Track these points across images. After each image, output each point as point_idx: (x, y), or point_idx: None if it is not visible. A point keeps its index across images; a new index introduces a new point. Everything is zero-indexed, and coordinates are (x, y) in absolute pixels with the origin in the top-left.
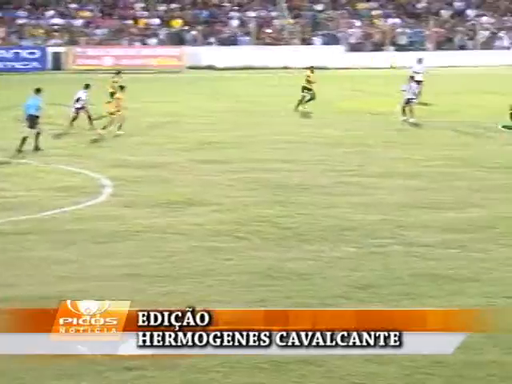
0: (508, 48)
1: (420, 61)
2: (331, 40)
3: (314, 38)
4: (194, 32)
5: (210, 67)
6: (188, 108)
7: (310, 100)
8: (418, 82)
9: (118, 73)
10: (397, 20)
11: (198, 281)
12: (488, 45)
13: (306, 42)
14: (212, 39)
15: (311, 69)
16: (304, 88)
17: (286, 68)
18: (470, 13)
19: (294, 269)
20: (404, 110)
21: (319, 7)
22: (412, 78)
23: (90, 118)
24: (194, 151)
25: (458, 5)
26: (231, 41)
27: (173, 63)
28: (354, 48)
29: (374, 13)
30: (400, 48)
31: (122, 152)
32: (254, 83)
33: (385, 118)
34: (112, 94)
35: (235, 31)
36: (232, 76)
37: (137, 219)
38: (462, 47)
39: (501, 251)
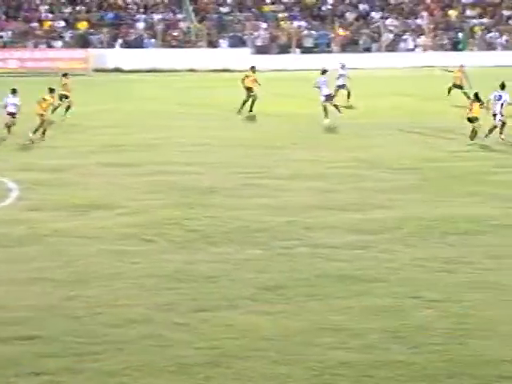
0: (413, 50)
1: (343, 66)
2: (238, 42)
3: (220, 41)
4: (99, 34)
5: (116, 70)
6: (95, 111)
7: (253, 101)
8: (340, 87)
9: (65, 74)
10: (303, 22)
11: (106, 284)
12: (393, 47)
13: (212, 44)
14: (118, 41)
15: (252, 69)
16: (247, 89)
17: (192, 70)
18: (375, 15)
19: (202, 271)
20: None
21: (225, 9)
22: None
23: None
24: (100, 154)
25: (362, 7)
26: (137, 43)
27: (78, 66)
28: (261, 50)
29: (280, 15)
30: (306, 50)
31: (29, 155)
32: (160, 86)
33: (292, 120)
34: (62, 97)
35: (141, 34)
36: (138, 78)
37: (43, 223)
38: (367, 49)
39: (407, 252)
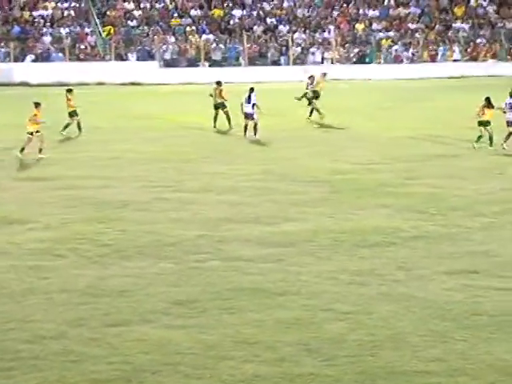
0: (321, 63)
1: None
2: (146, 56)
3: (128, 54)
4: (6, 48)
5: (23, 84)
6: (3, 125)
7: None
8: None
9: (70, 90)
10: (211, 36)
11: (17, 300)
12: (301, 60)
13: (120, 57)
14: (29, 56)
15: (219, 83)
16: (218, 104)
17: (101, 84)
18: (283, 29)
19: (114, 286)
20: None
21: (133, 23)
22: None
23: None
24: (11, 168)
25: (270, 21)
26: (44, 57)
27: None
28: (169, 64)
29: (188, 29)
30: (215, 64)
31: None
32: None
33: (204, 133)
34: (72, 114)
35: (48, 47)
36: (46, 92)
37: None
38: (275, 62)
39: (318, 264)
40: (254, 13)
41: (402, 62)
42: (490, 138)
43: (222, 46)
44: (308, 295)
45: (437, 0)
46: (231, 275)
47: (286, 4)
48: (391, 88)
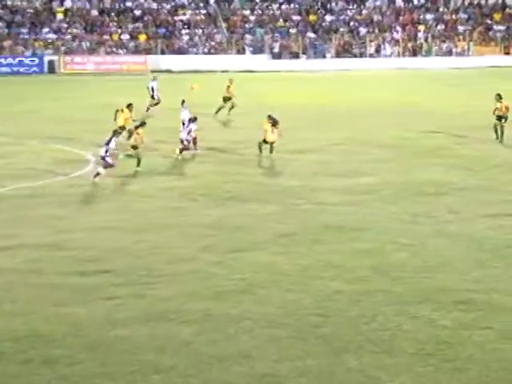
0: (389, 56)
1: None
2: (258, 50)
3: (245, 48)
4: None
5: (167, 71)
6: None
7: (232, 108)
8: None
9: (130, 105)
10: (312, 34)
11: (161, 232)
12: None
13: (239, 51)
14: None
15: (231, 80)
16: (225, 98)
17: (225, 71)
18: (362, 30)
19: (233, 222)
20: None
21: (249, 25)
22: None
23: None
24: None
25: (352, 24)
26: (182, 51)
27: None
28: (276, 56)
29: (291, 30)
30: (310, 56)
31: None
32: None
33: (304, 108)
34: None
35: (186, 43)
36: (184, 77)
37: (114, 185)
38: (356, 56)
39: (386, 207)
40: (341, 18)
41: (451, 55)
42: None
43: (315, 42)
44: (378, 231)
45: (480, 8)
46: (320, 216)
47: (364, 11)
48: (444, 75)
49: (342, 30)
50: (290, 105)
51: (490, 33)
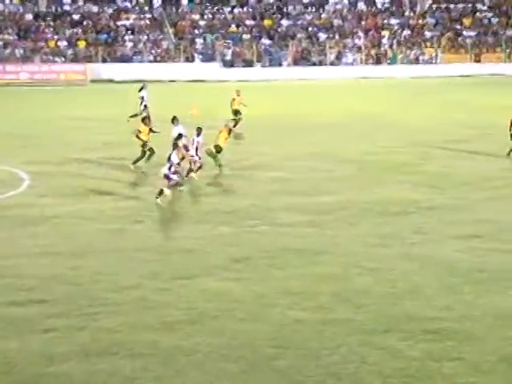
0: (351, 64)
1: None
2: (209, 58)
3: (195, 56)
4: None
5: (109, 80)
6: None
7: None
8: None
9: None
10: (266, 41)
11: (103, 257)
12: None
13: (188, 59)
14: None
15: (238, 92)
16: (235, 111)
17: (172, 81)
18: (321, 36)
19: (182, 245)
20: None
21: (198, 31)
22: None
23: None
24: None
25: (311, 29)
26: (126, 59)
27: None
28: (228, 64)
29: (244, 36)
30: (264, 64)
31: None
32: None
33: (259, 122)
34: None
35: (130, 51)
36: (128, 88)
37: (51, 207)
38: (315, 64)
39: (349, 229)
40: (298, 22)
41: (418, 63)
42: None
43: (271, 49)
44: (341, 254)
45: (449, 12)
46: (278, 238)
47: (323, 15)
48: (410, 84)
49: (299, 35)
50: (243, 117)
51: (460, 39)
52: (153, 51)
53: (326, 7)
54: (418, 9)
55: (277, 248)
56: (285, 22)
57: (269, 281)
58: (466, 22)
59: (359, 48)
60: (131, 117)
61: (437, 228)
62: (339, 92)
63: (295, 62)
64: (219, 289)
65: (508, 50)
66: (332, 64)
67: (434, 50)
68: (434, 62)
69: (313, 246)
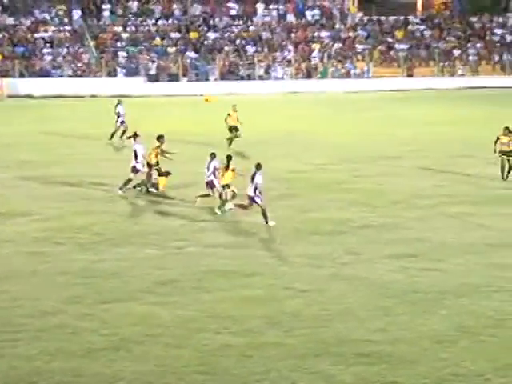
0: (281, 78)
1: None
2: (132, 72)
3: (117, 70)
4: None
5: (28, 96)
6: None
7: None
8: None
9: (160, 137)
10: (192, 54)
11: (22, 281)
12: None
13: (110, 73)
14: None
15: (234, 107)
16: (231, 128)
17: (94, 96)
18: (249, 49)
19: (105, 268)
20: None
21: (121, 44)
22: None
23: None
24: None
25: (239, 42)
26: (45, 73)
27: None
28: (153, 79)
29: (169, 49)
30: (191, 79)
31: None
32: None
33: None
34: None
35: (49, 65)
36: (47, 103)
37: None
38: (243, 78)
39: (279, 249)
40: (226, 35)
41: (350, 77)
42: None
43: (197, 63)
44: (271, 276)
45: (380, 24)
46: (205, 259)
47: (251, 28)
48: (341, 99)
49: (226, 48)
50: (168, 133)
51: (392, 52)
52: (73, 65)
53: (254, 19)
54: (349, 21)
55: (204, 270)
56: (211, 35)
57: (196, 304)
58: (398, 34)
59: (289, 62)
60: (111, 137)
61: (369, 248)
62: (268, 107)
63: (223, 76)
64: (144, 313)
65: (441, 64)
66: (261, 78)
67: (366, 63)
68: (365, 75)
69: (242, 267)
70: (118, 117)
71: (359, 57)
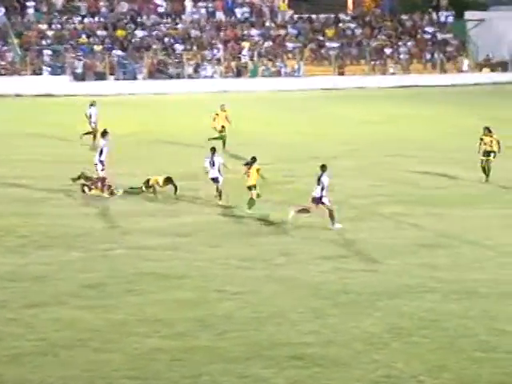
0: (211, 77)
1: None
2: (58, 71)
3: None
4: None
5: None
6: None
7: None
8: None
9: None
10: (119, 52)
11: None
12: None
13: (35, 72)
14: None
15: (223, 107)
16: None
17: (18, 95)
18: (178, 47)
19: (31, 272)
20: None
21: (46, 42)
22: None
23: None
24: None
25: (167, 40)
26: None
27: None
28: (79, 77)
29: (96, 47)
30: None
31: None
32: None
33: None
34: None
35: None
36: None
37: None
38: (172, 77)
39: (210, 251)
40: (154, 33)
41: (280, 75)
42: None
43: (125, 61)
44: (202, 278)
45: (311, 22)
46: (135, 262)
47: (180, 25)
48: (272, 98)
49: (154, 47)
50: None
51: (323, 51)
52: None
53: (183, 17)
54: (279, 19)
55: (133, 273)
56: (139, 33)
57: (125, 308)
58: (329, 32)
59: (218, 60)
60: (85, 134)
61: (302, 248)
62: (198, 107)
63: (151, 75)
64: (72, 317)
65: (372, 62)
66: (190, 77)
67: (297, 62)
68: (296, 74)
69: (172, 270)
70: (90, 119)
71: (290, 55)
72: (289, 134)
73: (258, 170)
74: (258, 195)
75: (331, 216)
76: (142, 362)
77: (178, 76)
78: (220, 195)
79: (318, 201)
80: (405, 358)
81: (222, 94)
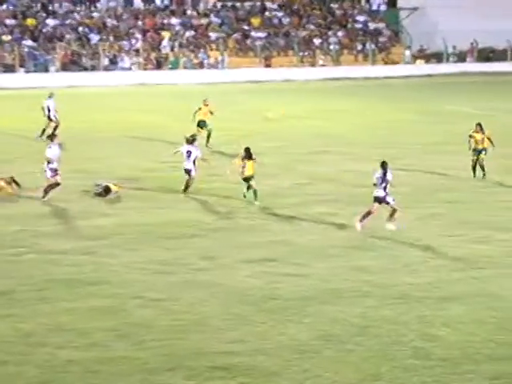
0: (129, 69)
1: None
2: None
3: None
4: None
5: None
6: None
7: (209, 134)
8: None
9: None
10: (29, 42)
11: None
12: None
13: None
14: None
15: (205, 101)
16: (200, 122)
17: None
18: (93, 37)
19: None
20: None
21: None
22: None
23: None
24: None
25: (81, 30)
26: None
27: None
28: None
29: (4, 37)
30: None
31: None
32: None
33: (17, 135)
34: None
35: None
36: None
37: None
38: (87, 69)
39: (127, 255)
40: (67, 22)
41: (203, 67)
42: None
43: (36, 52)
44: (118, 284)
45: (235, 11)
46: (46, 267)
47: (95, 14)
48: (195, 92)
49: (68, 37)
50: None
51: (248, 41)
52: None
53: (98, 5)
54: (201, 7)
55: (45, 279)
56: (51, 22)
57: (36, 317)
58: (255, 22)
59: (137, 51)
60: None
61: (226, 252)
62: (115, 101)
63: (64, 67)
64: None
65: (301, 53)
66: (106, 69)
67: (220, 53)
68: (220, 66)
69: (86, 275)
70: (49, 111)
71: (213, 46)
72: (214, 129)
73: (254, 160)
74: (249, 187)
75: (392, 215)
76: (55, 374)
77: (94, 68)
78: (186, 188)
79: (381, 200)
80: (336, 367)
81: (140, 86)
